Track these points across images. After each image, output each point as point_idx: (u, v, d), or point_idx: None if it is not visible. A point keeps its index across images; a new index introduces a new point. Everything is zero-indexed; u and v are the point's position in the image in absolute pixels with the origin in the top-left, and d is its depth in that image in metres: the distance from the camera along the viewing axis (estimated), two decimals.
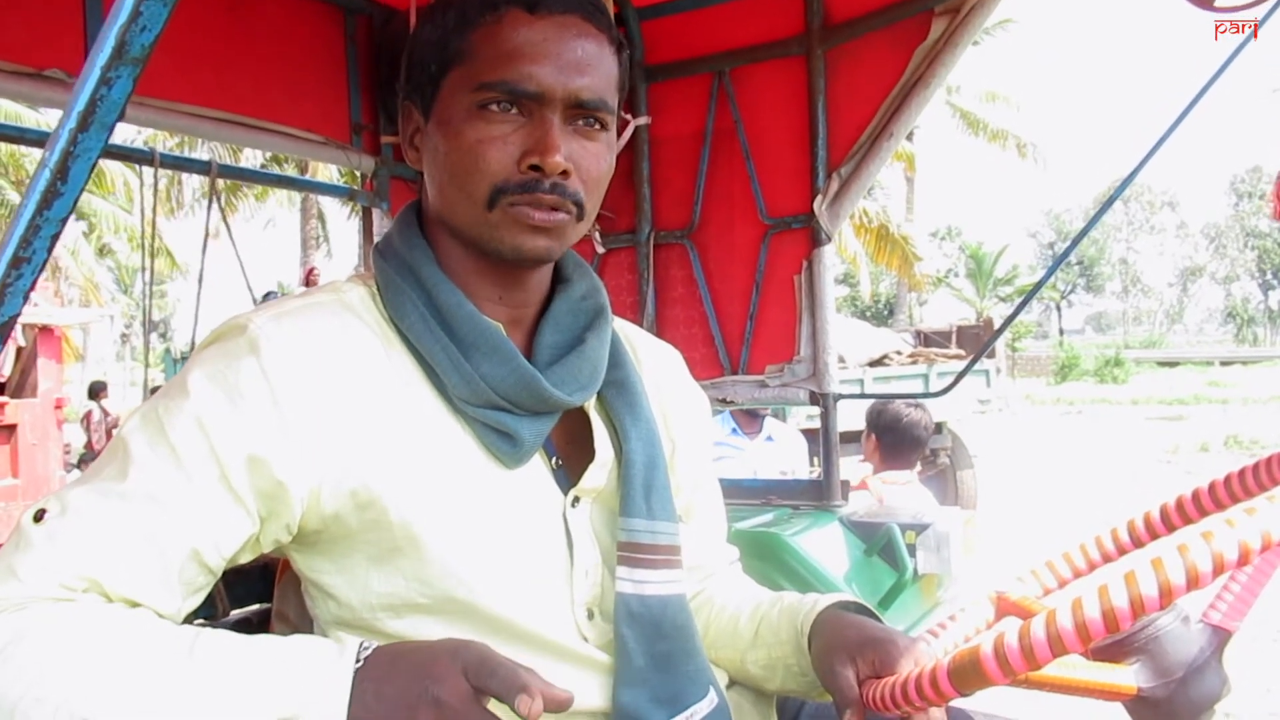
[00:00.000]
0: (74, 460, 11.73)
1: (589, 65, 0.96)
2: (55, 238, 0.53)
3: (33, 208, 0.53)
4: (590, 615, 1.03)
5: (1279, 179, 1.82)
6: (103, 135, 0.50)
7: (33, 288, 0.53)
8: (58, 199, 0.53)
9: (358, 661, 0.82)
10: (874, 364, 8.50)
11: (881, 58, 2.28)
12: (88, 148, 0.50)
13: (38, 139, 1.95)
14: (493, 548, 0.96)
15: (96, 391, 12.82)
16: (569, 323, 1.06)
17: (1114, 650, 0.95)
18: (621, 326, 1.20)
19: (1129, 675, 0.93)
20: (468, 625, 0.96)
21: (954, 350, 9.85)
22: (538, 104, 0.94)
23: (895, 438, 3.78)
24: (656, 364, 1.23)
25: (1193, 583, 0.73)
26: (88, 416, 12.61)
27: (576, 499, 1.04)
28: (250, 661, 0.81)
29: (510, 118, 0.95)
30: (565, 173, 0.95)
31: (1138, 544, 1.15)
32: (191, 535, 0.85)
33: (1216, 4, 1.79)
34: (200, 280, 2.35)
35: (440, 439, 0.96)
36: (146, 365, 2.98)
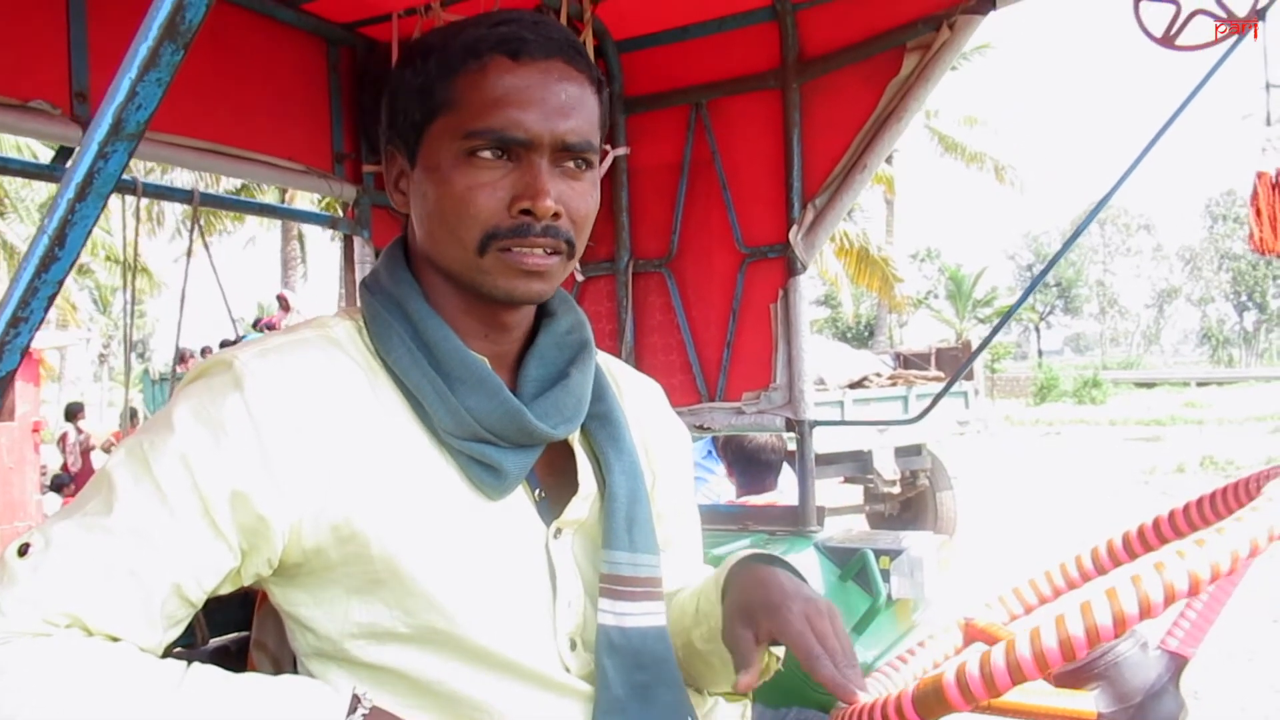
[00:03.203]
0: (49, 482, 11.62)
1: (574, 109, 0.98)
2: (52, 298, 0.55)
3: (31, 271, 0.55)
4: (573, 645, 1.04)
5: (1252, 205, 1.87)
6: (99, 204, 0.53)
7: (29, 344, 0.55)
8: (55, 263, 0.56)
9: (354, 712, 0.85)
10: (854, 385, 8.54)
11: (855, 91, 2.33)
12: (84, 215, 0.53)
13: (19, 170, 1.96)
14: (475, 579, 0.98)
15: (73, 413, 12.74)
16: (554, 356, 1.08)
17: (1075, 676, 0.97)
18: (604, 360, 1.22)
19: (1089, 701, 0.95)
20: (449, 655, 0.97)
21: (933, 372, 9.90)
22: (526, 149, 0.96)
23: (745, 464, 3.81)
24: (638, 397, 1.24)
25: (1145, 612, 0.76)
26: (64, 438, 12.52)
27: (559, 530, 1.05)
28: (238, 699, 0.83)
29: (499, 164, 0.96)
30: (556, 214, 0.97)
31: (1100, 571, 1.18)
32: (174, 570, 0.87)
33: (1178, 43, 1.85)
34: (181, 306, 2.36)
35: (424, 471, 0.98)
36: (127, 388, 2.98)
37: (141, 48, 0.49)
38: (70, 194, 0.54)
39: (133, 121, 0.50)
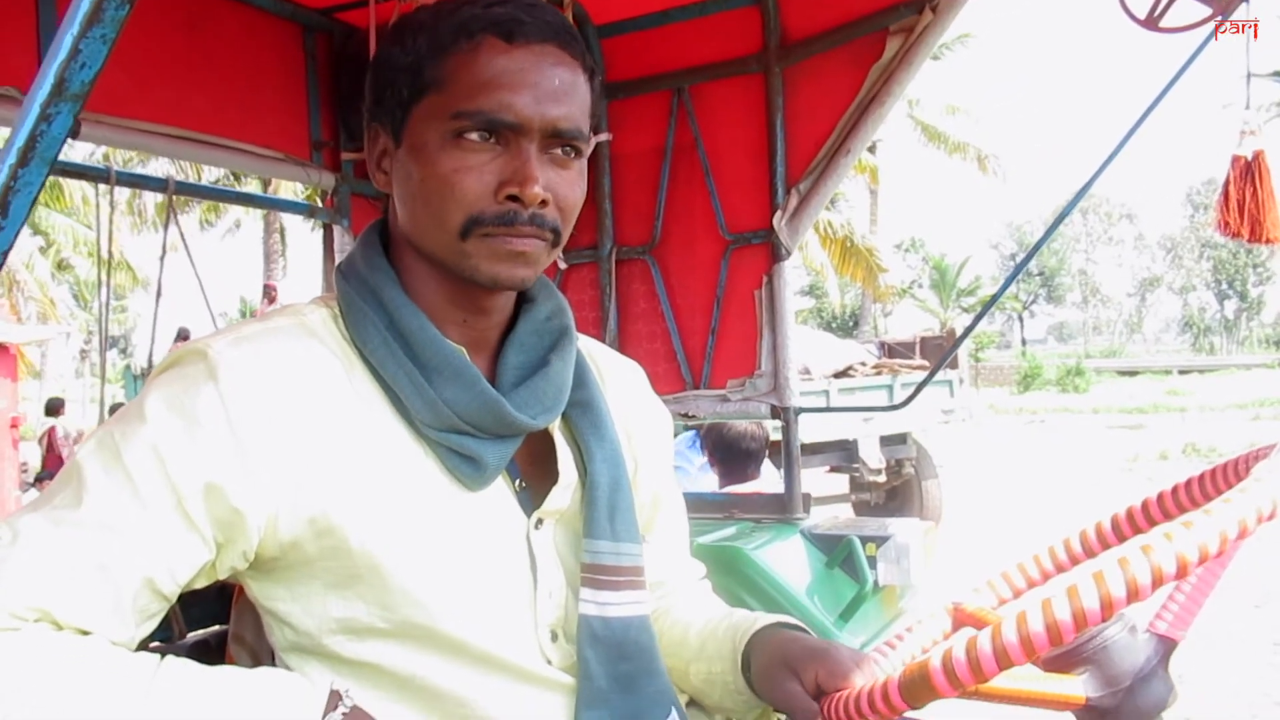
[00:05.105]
0: (30, 479, 11.54)
1: (565, 94, 0.95)
2: None
3: None
4: (554, 637, 1.03)
5: (1223, 188, 1.88)
6: (43, 169, 0.50)
7: None
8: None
9: (335, 709, 0.84)
10: (839, 375, 8.56)
11: (838, 75, 2.32)
12: (28, 182, 0.50)
13: None
14: (455, 571, 0.96)
15: (55, 408, 12.67)
16: (533, 344, 1.06)
17: (1063, 660, 0.96)
18: (585, 344, 1.20)
19: (1078, 685, 0.94)
20: (429, 649, 0.96)
21: (918, 361, 9.93)
22: (515, 134, 0.94)
23: (725, 453, 3.82)
24: (619, 381, 1.23)
25: (1133, 595, 0.75)
26: (50, 433, 12.43)
27: (540, 521, 1.04)
28: (213, 693, 0.81)
29: (487, 147, 0.94)
30: (544, 202, 0.94)
31: (1089, 554, 1.17)
32: (146, 564, 0.85)
33: (1161, 25, 1.84)
34: (158, 298, 2.33)
35: (402, 463, 0.96)
36: (103, 381, 2.94)
37: (84, 2, 0.46)
38: (12, 159, 0.51)
39: (76, 81, 0.48)
